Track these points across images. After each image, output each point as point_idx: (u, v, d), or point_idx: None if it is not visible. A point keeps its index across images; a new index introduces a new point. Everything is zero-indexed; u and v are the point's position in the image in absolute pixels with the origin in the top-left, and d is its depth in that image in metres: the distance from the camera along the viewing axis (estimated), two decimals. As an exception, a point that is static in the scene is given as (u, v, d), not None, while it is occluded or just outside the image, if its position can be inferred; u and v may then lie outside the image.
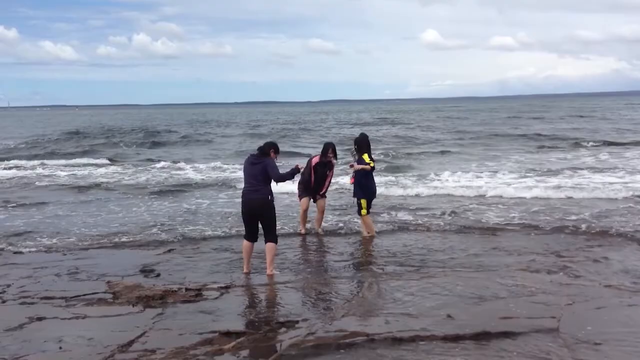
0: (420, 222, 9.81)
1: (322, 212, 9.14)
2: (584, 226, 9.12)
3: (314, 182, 8.92)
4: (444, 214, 10.44)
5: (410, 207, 11.15)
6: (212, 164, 20.30)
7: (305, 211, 9.09)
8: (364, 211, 8.77)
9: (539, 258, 7.39)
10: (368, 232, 8.88)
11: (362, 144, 8.69)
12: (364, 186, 8.67)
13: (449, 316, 5.37)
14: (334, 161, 9.02)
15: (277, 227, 7.10)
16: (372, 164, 8.55)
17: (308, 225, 9.18)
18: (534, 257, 7.42)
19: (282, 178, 6.86)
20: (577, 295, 5.92)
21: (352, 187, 8.94)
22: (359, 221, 9.20)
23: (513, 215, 10.20)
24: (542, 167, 17.38)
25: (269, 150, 6.89)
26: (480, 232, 9.04)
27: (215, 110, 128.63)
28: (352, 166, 8.64)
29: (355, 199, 8.84)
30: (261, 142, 7.26)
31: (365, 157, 8.57)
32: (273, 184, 6.86)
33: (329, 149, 8.90)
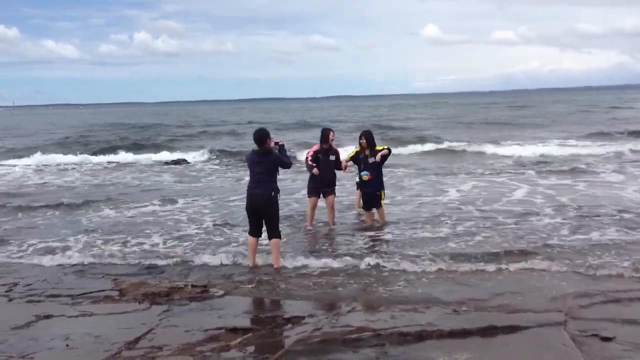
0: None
1: (332, 208, 9.11)
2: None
3: (323, 172, 8.84)
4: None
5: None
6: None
7: (313, 209, 9.08)
8: (382, 201, 9.08)
9: (545, 250, 7.37)
10: (380, 222, 9.11)
11: (372, 139, 8.93)
12: (382, 178, 9.00)
13: (455, 311, 5.36)
14: (314, 171, 8.83)
15: (285, 222, 7.12)
16: (386, 147, 9.01)
17: (318, 225, 9.19)
18: (537, 249, 7.40)
19: (290, 162, 7.12)
20: (585, 287, 5.89)
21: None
22: (364, 215, 9.33)
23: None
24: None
25: (266, 141, 6.86)
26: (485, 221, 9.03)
27: (237, 107, 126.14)
28: (365, 153, 8.86)
29: (367, 192, 9.04)
30: None
31: (379, 148, 8.92)
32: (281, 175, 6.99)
33: (329, 134, 8.96)
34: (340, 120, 45.56)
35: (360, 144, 8.98)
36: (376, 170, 8.87)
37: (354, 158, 9.05)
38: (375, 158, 8.79)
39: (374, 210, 9.22)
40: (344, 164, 9.11)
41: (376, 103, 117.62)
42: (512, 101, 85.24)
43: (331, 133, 9.02)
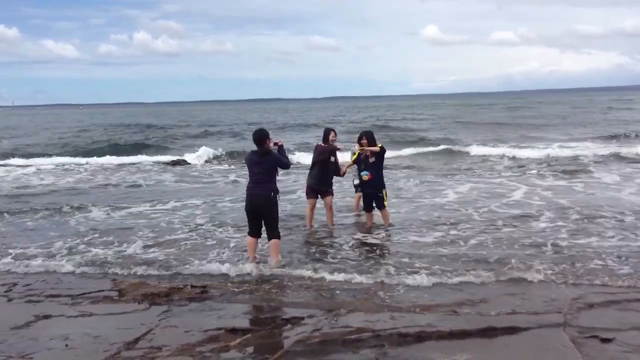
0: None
1: (330, 208, 9.08)
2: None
3: (321, 173, 8.85)
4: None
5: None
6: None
7: (312, 210, 9.05)
8: (386, 202, 9.01)
9: (545, 251, 7.37)
10: (383, 224, 9.05)
11: (373, 139, 8.89)
12: (382, 177, 8.97)
13: (454, 312, 5.36)
14: (338, 145, 9.02)
15: (283, 223, 7.10)
16: (380, 145, 8.93)
17: (315, 226, 9.18)
18: (536, 252, 7.39)
19: (289, 162, 7.13)
20: (584, 289, 5.89)
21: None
22: (365, 216, 9.28)
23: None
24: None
25: (265, 141, 6.86)
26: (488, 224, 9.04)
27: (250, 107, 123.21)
28: (366, 153, 8.80)
29: (367, 193, 8.98)
30: None
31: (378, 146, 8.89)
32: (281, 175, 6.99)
33: (329, 134, 8.98)
34: (339, 121, 45.63)
35: (361, 144, 8.92)
36: (376, 170, 8.85)
37: (357, 160, 9.04)
38: (374, 157, 8.77)
39: (376, 211, 9.16)
40: (343, 169, 9.15)
41: (376, 104, 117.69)
42: (511, 102, 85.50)
43: (332, 133, 9.00)
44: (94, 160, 22.53)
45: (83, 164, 21.52)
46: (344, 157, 9.82)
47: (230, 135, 34.70)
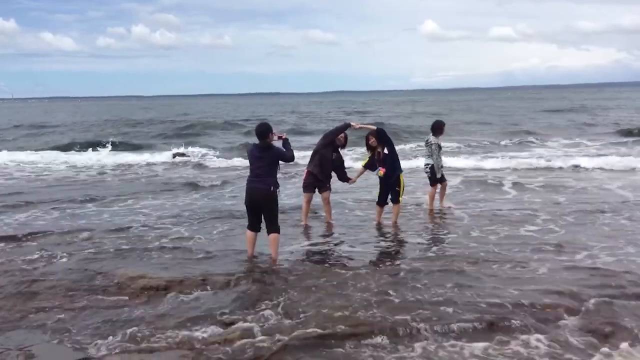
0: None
1: (328, 203, 9.03)
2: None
3: (321, 166, 8.80)
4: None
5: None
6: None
7: (308, 203, 9.01)
8: (401, 198, 8.78)
9: (539, 249, 7.37)
10: (392, 219, 8.86)
11: (383, 136, 8.67)
12: (397, 164, 8.65)
13: (455, 306, 5.36)
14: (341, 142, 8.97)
15: (284, 217, 7.00)
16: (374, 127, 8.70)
17: (317, 221, 9.14)
18: (532, 250, 7.38)
19: (293, 155, 6.96)
20: (582, 289, 5.88)
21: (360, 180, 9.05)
22: (375, 209, 9.07)
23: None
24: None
25: (268, 135, 6.81)
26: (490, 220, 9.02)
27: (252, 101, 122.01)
28: (376, 149, 8.65)
29: (387, 184, 8.72)
30: None
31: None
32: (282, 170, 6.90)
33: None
34: (338, 118, 45.48)
35: (370, 144, 8.73)
36: (390, 159, 8.58)
37: (370, 164, 8.85)
38: (384, 151, 8.60)
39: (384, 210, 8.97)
40: (353, 178, 9.10)
41: (374, 99, 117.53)
42: (511, 97, 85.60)
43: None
44: (88, 154, 22.13)
45: (62, 160, 20.68)
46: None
47: (229, 129, 34.41)
